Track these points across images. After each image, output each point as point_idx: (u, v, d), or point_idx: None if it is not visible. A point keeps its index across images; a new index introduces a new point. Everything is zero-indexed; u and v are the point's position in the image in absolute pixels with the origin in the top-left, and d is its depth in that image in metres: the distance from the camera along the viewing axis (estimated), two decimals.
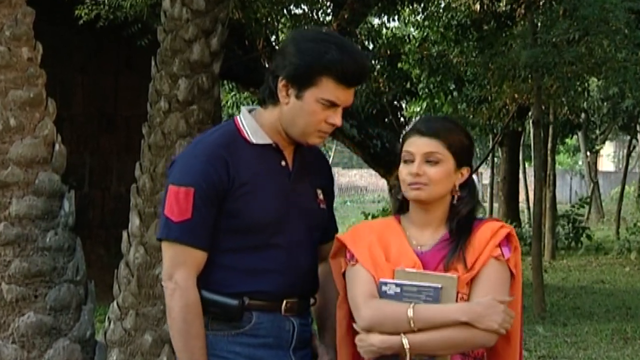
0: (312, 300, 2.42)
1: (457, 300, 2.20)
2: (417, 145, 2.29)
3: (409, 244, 2.29)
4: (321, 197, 2.43)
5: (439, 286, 2.18)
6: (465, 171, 2.33)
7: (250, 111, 2.40)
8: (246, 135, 2.34)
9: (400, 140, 2.37)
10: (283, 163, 2.36)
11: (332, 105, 2.28)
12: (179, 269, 2.27)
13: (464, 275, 2.22)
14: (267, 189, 2.31)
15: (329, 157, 40.20)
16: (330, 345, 2.40)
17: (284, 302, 2.33)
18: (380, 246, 2.28)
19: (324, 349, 2.41)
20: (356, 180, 38.94)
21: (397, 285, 2.19)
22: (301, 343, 2.37)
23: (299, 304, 2.36)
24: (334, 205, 2.55)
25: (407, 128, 2.37)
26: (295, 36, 2.36)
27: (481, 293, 2.21)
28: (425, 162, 2.27)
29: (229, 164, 2.28)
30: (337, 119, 2.30)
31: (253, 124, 2.35)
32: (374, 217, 14.81)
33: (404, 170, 2.30)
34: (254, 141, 2.34)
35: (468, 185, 2.34)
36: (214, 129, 2.46)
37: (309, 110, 2.27)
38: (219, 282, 2.30)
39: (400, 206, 2.38)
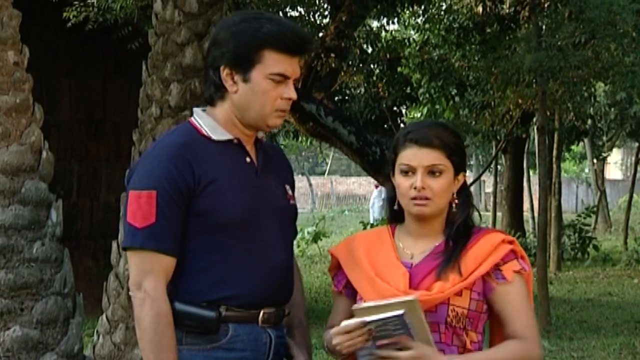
0: (286, 311, 2.37)
1: (448, 313, 2.18)
2: (418, 158, 2.22)
3: (397, 257, 2.26)
4: (290, 192, 2.39)
5: (401, 312, 2.08)
6: (461, 177, 2.30)
7: (203, 111, 2.35)
8: (205, 132, 2.30)
9: (392, 149, 2.30)
10: (248, 159, 2.30)
11: (283, 79, 2.23)
12: (147, 277, 2.19)
13: (456, 284, 2.19)
14: (236, 185, 2.25)
15: (326, 164, 40.29)
16: (303, 344, 2.38)
17: (262, 312, 2.26)
18: (369, 262, 2.26)
19: (298, 350, 2.36)
20: (354, 188, 38.97)
21: (364, 324, 2.10)
22: (277, 356, 2.32)
23: (275, 315, 2.30)
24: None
25: (398, 136, 2.30)
26: (224, 23, 2.31)
27: (510, 308, 2.23)
28: (427, 174, 2.22)
29: (192, 163, 2.21)
30: (291, 92, 2.25)
31: (210, 122, 2.30)
32: (372, 227, 14.73)
33: (404, 183, 2.24)
34: (214, 137, 2.29)
35: (463, 191, 2.30)
36: (171, 131, 2.42)
37: (260, 89, 2.22)
38: (193, 290, 2.24)
39: (396, 216, 2.34)
